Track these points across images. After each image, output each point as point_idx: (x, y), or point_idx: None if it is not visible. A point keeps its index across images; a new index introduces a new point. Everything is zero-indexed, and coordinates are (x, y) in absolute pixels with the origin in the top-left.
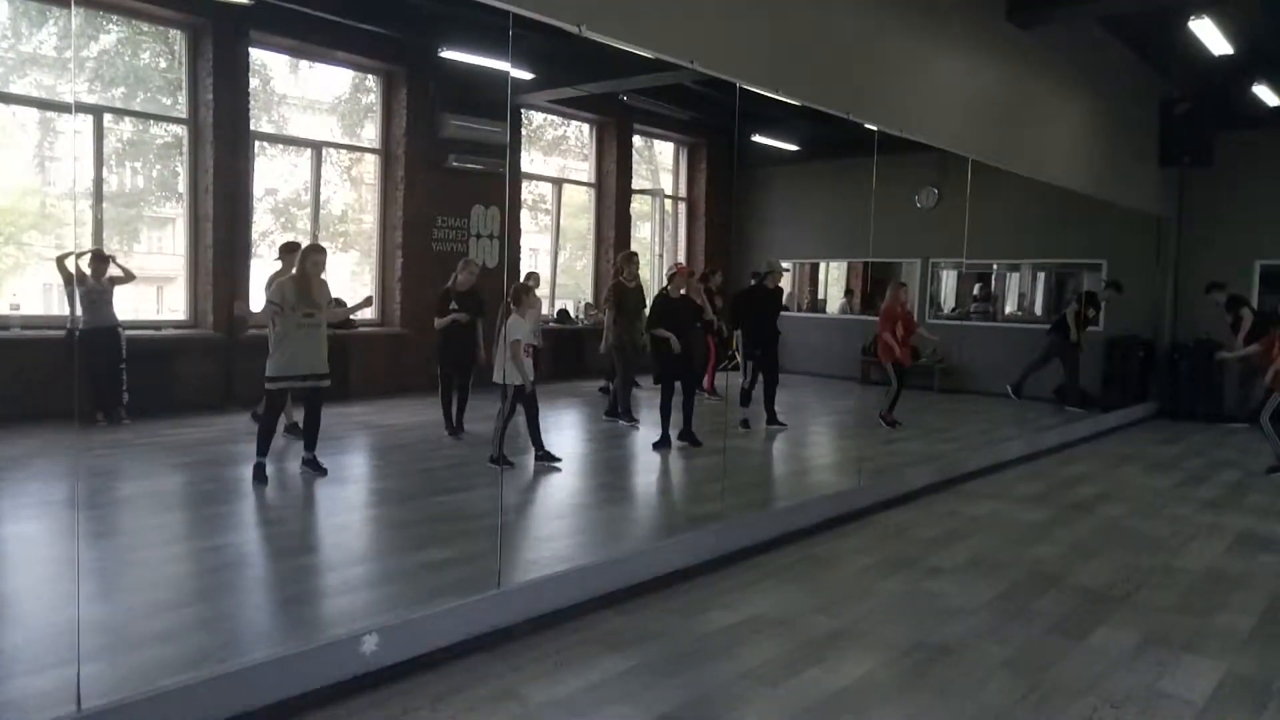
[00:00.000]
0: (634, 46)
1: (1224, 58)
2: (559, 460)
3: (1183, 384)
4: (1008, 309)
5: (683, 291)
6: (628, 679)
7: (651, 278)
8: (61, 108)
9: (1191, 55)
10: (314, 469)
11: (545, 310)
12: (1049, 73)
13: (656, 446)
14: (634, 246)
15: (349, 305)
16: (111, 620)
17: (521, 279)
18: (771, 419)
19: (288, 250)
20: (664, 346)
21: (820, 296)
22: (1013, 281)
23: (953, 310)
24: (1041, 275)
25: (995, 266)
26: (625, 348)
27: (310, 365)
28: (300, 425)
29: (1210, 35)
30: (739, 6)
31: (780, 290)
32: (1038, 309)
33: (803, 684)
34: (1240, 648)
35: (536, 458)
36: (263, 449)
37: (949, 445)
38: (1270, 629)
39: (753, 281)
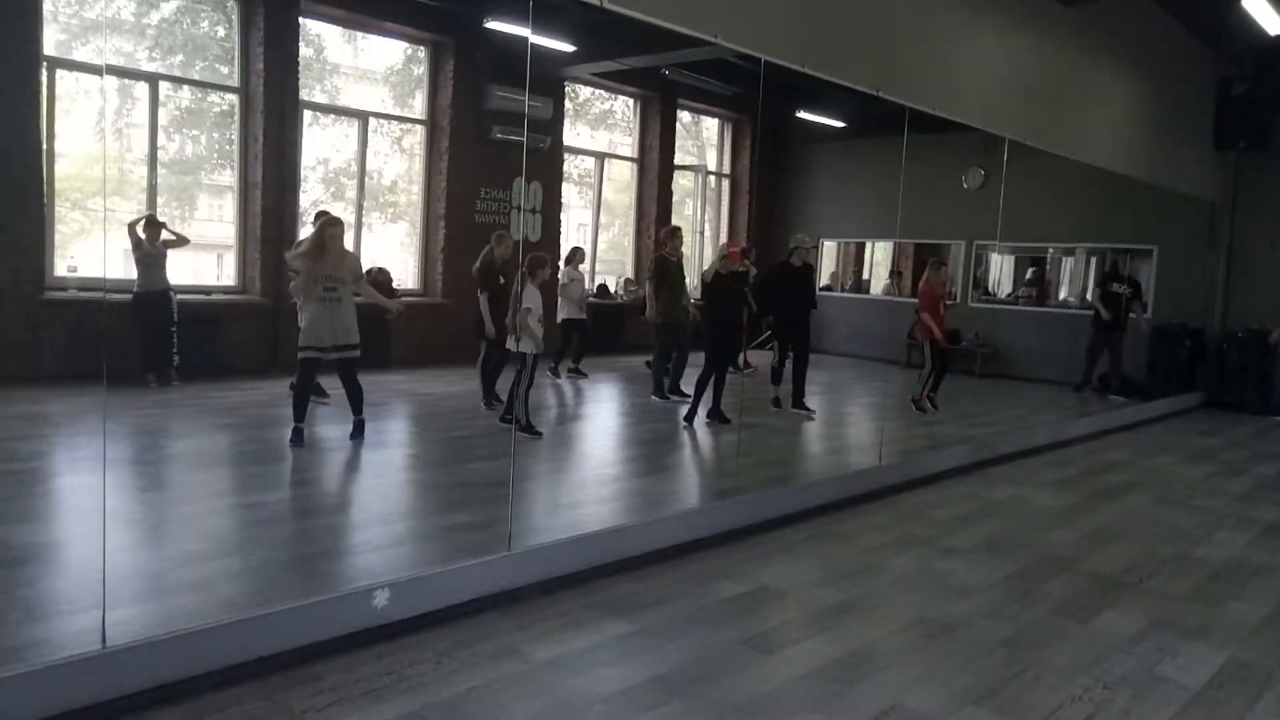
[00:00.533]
0: (655, 19)
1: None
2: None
3: (1231, 374)
4: (1061, 294)
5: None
6: (628, 641)
7: (692, 255)
8: (124, 74)
9: (1249, 35)
10: (358, 432)
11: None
12: (1097, 51)
13: (685, 420)
14: (675, 222)
15: (395, 294)
16: (147, 568)
17: (567, 252)
18: (798, 403)
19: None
20: (724, 319)
21: (865, 277)
22: (1066, 266)
23: (1007, 295)
24: (1094, 260)
25: (1051, 251)
26: (667, 324)
27: (334, 336)
28: (326, 394)
29: (1265, 14)
30: None
31: (809, 267)
32: (1089, 295)
33: (799, 653)
34: (1247, 637)
35: (516, 423)
36: (299, 414)
37: (981, 429)
38: None
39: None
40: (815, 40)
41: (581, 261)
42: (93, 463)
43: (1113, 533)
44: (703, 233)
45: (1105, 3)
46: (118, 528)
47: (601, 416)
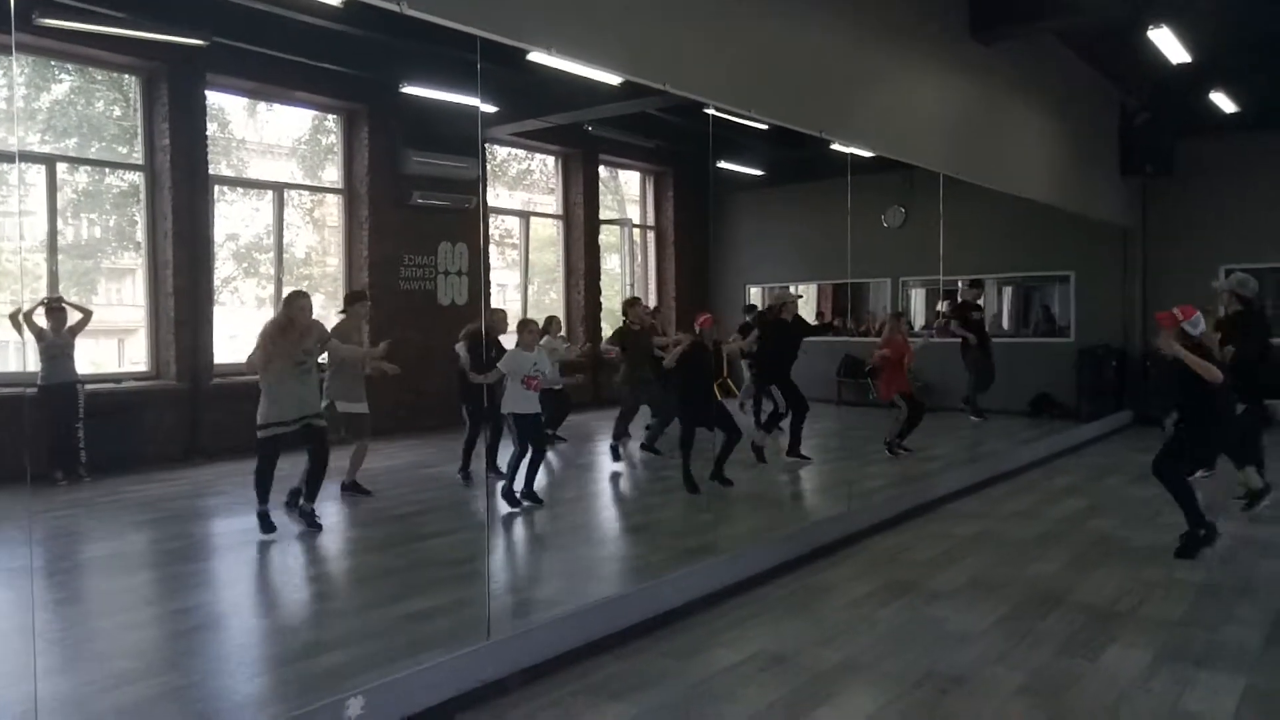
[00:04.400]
0: (606, 70)
1: (1181, 66)
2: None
3: (1156, 392)
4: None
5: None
6: None
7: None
8: (7, 158)
9: (1147, 66)
10: (310, 522)
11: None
12: (1013, 88)
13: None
14: (603, 278)
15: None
16: (74, 694)
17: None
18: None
19: (352, 300)
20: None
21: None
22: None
23: (923, 328)
24: (1009, 290)
25: (960, 283)
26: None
27: (300, 409)
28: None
29: (1169, 44)
30: (709, 29)
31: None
32: (1004, 323)
33: None
34: (1256, 661)
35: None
36: (263, 496)
37: (931, 464)
38: None
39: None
40: (760, 86)
41: (559, 330)
42: None
43: (1090, 560)
44: (631, 285)
45: (1015, 43)
46: (32, 648)
47: (572, 483)
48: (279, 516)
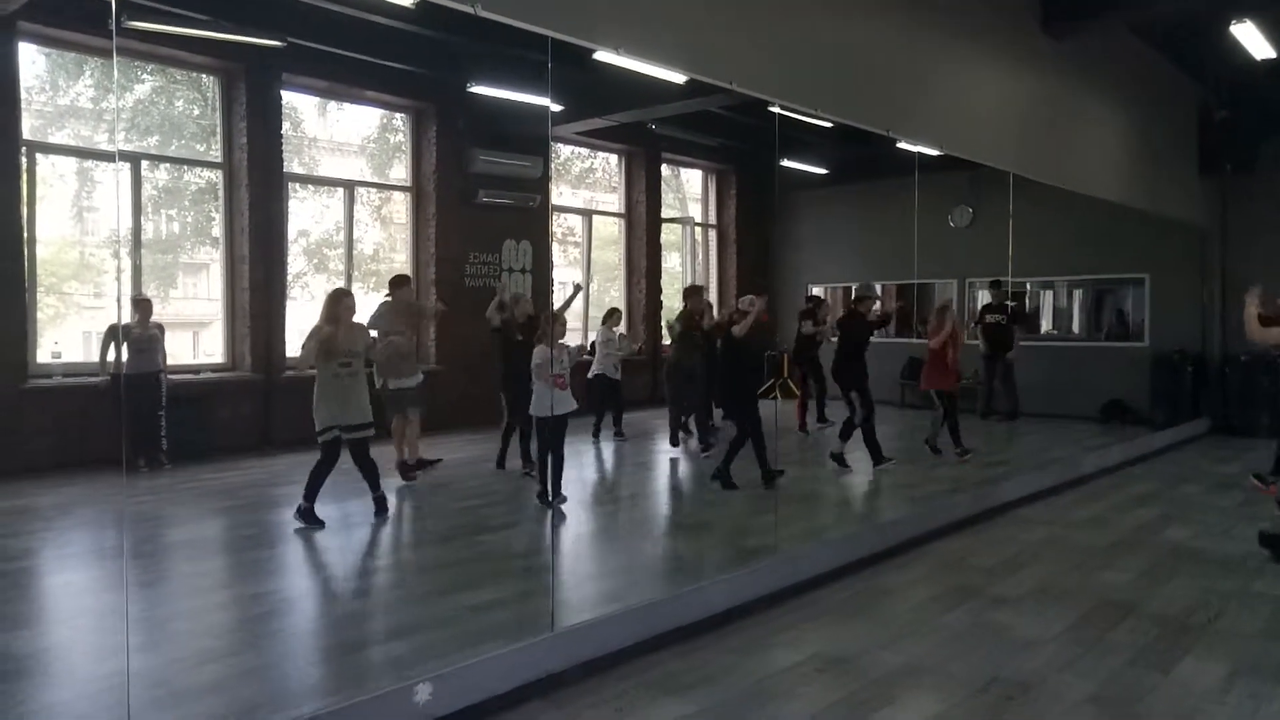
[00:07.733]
0: (673, 69)
1: (1265, 62)
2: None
3: (1236, 398)
4: (1044, 327)
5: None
6: None
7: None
8: (102, 157)
9: (1230, 61)
10: (381, 509)
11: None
12: (1085, 84)
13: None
14: (665, 276)
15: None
16: (159, 672)
17: (604, 313)
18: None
19: (397, 285)
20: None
21: None
22: (1047, 299)
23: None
24: (1079, 293)
25: (1029, 286)
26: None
27: (348, 415)
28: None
29: (1253, 39)
30: (774, 26)
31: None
32: (1075, 327)
33: None
34: None
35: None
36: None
37: (996, 469)
38: None
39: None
40: (827, 85)
41: (618, 323)
42: (87, 558)
43: (1163, 571)
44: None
45: (1088, 37)
46: (122, 627)
47: (631, 479)
48: (328, 511)
